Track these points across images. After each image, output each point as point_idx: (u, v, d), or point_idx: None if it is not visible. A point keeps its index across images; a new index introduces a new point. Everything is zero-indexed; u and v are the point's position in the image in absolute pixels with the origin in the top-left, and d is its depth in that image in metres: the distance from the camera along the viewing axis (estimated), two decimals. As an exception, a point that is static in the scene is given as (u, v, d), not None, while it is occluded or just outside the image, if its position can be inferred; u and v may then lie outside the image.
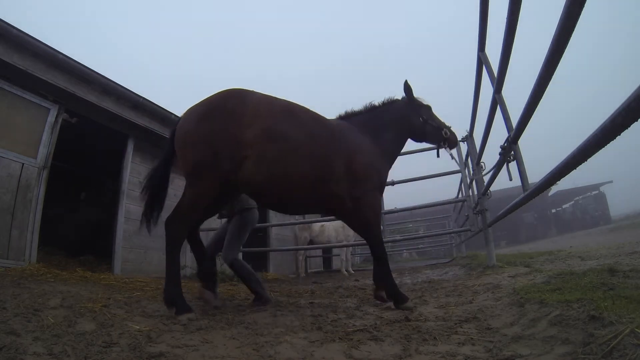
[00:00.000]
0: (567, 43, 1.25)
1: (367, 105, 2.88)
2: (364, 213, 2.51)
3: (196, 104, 2.38)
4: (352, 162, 2.47)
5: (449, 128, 2.98)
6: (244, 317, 2.08)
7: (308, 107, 2.59)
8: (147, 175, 2.53)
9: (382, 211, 2.68)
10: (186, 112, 2.41)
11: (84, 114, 4.51)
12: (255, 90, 2.47)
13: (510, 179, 2.24)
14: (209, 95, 2.39)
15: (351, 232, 7.74)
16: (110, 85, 4.42)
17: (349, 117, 2.83)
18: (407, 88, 2.90)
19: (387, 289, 2.48)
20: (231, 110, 2.24)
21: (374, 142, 2.67)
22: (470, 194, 5.00)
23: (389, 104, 2.91)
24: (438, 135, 2.95)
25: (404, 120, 2.88)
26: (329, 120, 2.67)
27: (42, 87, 3.89)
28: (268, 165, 2.21)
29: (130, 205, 4.94)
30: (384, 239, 3.36)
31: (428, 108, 2.99)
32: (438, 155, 3.14)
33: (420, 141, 3.05)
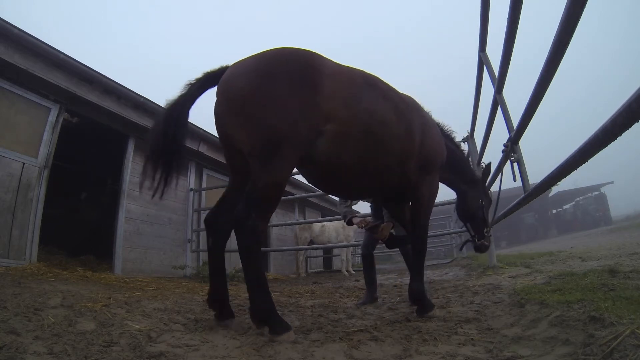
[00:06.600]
0: (568, 43, 1.25)
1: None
2: (419, 193, 2.27)
3: (249, 58, 1.79)
4: (425, 137, 2.22)
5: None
6: (244, 317, 2.08)
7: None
8: (159, 119, 1.88)
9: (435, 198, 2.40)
10: (235, 66, 1.80)
11: (85, 113, 4.51)
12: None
13: (514, 180, 2.23)
14: (263, 51, 1.80)
15: (351, 233, 7.74)
16: (111, 84, 4.42)
17: None
18: (487, 171, 2.79)
19: (413, 291, 2.23)
20: (304, 72, 1.71)
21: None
22: (471, 194, 4.99)
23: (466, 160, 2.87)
24: (480, 229, 2.66)
25: (466, 181, 2.74)
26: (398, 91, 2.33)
27: (43, 86, 3.90)
28: (352, 144, 1.81)
29: (131, 205, 4.94)
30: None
31: (490, 203, 2.84)
32: (461, 249, 3.05)
33: (464, 220, 2.79)
